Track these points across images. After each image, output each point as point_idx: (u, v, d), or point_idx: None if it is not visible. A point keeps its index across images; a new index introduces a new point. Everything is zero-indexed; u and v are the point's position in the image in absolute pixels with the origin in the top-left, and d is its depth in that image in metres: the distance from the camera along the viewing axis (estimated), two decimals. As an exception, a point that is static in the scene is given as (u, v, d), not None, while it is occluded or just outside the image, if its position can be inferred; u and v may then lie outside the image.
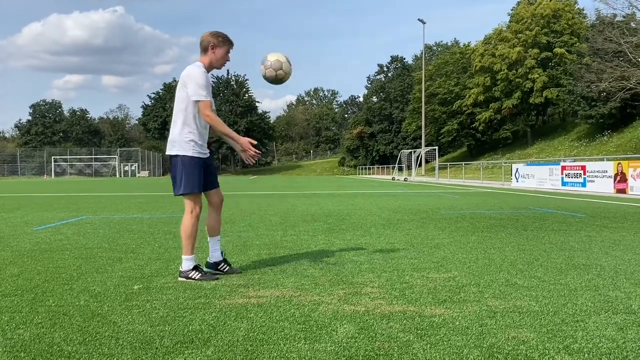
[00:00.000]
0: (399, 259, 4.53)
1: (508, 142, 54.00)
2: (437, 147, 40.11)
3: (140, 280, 3.72)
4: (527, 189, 18.73)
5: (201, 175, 3.81)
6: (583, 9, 49.27)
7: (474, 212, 9.25)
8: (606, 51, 28.92)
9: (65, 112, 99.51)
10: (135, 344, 2.40)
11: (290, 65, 3.93)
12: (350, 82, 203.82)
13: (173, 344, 2.41)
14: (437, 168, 37.83)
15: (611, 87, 29.38)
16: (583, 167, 16.88)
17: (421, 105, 51.77)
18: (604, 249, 5.00)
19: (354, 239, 5.84)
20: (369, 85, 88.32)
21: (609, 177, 15.37)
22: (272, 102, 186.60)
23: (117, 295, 3.29)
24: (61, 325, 2.69)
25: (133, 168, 75.87)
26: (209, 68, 3.84)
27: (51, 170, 74.31)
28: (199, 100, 3.70)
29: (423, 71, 52.31)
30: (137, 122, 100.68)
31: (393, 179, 39.12)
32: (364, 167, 73.14)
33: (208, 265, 3.98)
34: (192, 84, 3.70)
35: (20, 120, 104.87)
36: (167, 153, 3.84)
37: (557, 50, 44.60)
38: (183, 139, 3.75)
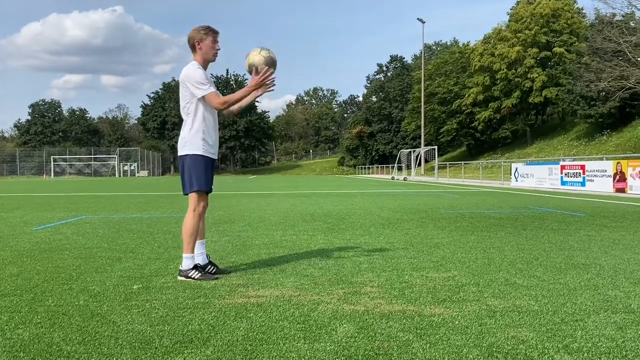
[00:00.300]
0: (399, 258, 4.53)
1: (507, 141, 53.98)
2: (436, 147, 40.07)
3: (139, 280, 3.72)
4: (527, 189, 18.73)
5: (209, 174, 3.83)
6: (582, 9, 49.30)
7: (473, 211, 9.25)
8: (605, 50, 28.89)
9: (64, 112, 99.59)
10: (134, 344, 2.40)
11: (264, 50, 3.81)
12: (350, 82, 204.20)
13: (172, 343, 2.41)
14: (436, 167, 37.82)
15: (610, 86, 29.36)
16: (582, 167, 16.89)
17: (420, 105, 51.77)
18: (603, 248, 5.00)
19: (353, 238, 5.84)
20: (368, 85, 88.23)
21: (608, 176, 15.38)
22: (271, 102, 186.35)
23: (117, 295, 3.29)
24: (60, 325, 2.69)
25: (132, 168, 75.79)
26: (204, 64, 3.84)
27: (50, 170, 74.21)
28: (204, 95, 3.71)
29: (422, 71, 52.29)
30: (136, 121, 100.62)
31: (392, 178, 39.12)
32: (363, 166, 73.05)
33: None
34: (192, 84, 3.71)
35: (19, 120, 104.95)
36: (178, 154, 3.85)
37: (557, 49, 44.59)
38: (193, 137, 3.76)
